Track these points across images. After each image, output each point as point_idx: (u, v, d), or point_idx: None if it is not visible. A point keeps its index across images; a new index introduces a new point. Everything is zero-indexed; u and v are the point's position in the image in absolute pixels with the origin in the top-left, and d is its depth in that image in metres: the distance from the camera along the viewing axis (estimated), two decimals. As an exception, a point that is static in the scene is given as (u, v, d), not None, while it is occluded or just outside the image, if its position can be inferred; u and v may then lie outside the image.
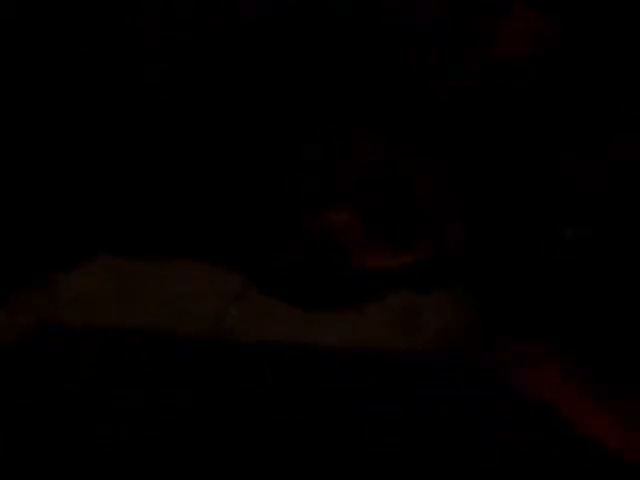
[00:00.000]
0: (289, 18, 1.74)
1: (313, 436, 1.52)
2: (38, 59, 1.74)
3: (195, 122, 1.78)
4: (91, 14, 1.75)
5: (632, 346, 1.57)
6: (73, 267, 1.69)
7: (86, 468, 1.48)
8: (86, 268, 1.70)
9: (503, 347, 1.61)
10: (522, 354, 1.60)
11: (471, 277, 1.73)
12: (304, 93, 1.72)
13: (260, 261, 1.77)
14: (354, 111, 1.72)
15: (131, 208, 1.80)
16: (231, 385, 1.55)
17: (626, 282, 1.65)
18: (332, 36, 1.73)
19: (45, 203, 1.79)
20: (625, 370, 1.58)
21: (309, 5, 1.75)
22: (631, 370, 1.56)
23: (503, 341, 1.63)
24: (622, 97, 1.69)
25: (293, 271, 1.74)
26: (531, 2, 1.71)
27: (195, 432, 1.50)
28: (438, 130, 1.70)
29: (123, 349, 1.59)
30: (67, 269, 1.69)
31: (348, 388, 1.54)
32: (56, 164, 1.80)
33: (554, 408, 1.51)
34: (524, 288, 1.69)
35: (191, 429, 1.50)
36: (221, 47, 1.75)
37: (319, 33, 1.73)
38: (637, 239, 1.67)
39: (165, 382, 1.54)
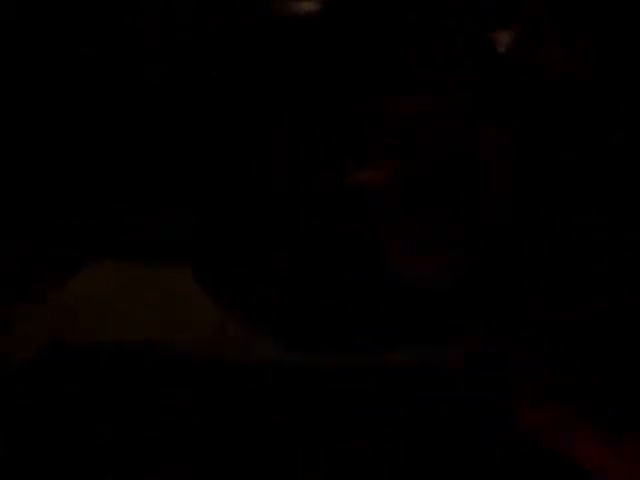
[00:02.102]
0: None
1: (312, 437, 1.49)
2: (38, 59, 1.76)
3: (195, 121, 1.78)
4: (91, 14, 1.78)
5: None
6: (75, 272, 1.71)
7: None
8: (86, 276, 1.71)
9: (539, 411, 1.57)
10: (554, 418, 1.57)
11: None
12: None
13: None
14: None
15: (132, 209, 1.81)
16: (233, 403, 1.52)
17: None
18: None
19: (45, 205, 1.81)
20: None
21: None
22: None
23: (538, 405, 1.58)
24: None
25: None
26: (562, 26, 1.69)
27: (200, 449, 1.49)
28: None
29: (126, 369, 1.56)
30: (69, 274, 1.70)
31: (346, 388, 1.52)
32: (55, 166, 1.82)
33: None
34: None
35: (196, 448, 1.48)
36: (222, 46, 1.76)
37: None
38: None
39: (168, 402, 1.51)
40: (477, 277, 1.72)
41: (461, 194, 1.69)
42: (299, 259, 1.73)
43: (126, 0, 1.75)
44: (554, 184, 1.73)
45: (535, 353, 1.66)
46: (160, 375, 1.57)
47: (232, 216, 1.79)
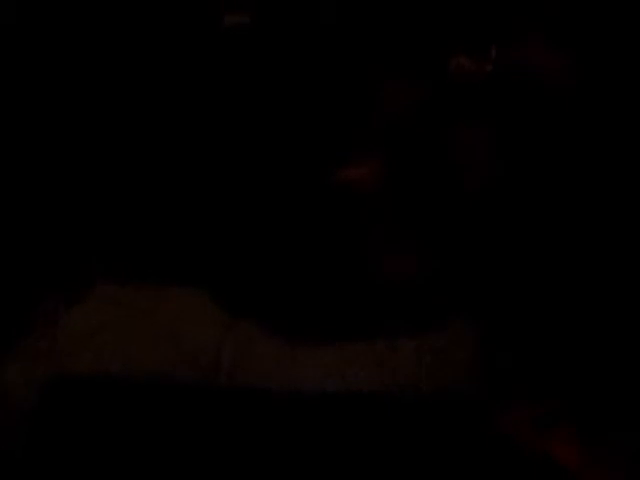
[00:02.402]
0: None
1: (309, 460, 1.54)
2: (38, 60, 1.72)
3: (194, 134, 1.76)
4: (91, 15, 1.73)
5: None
6: (74, 297, 1.73)
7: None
8: (86, 303, 1.74)
9: (518, 409, 1.62)
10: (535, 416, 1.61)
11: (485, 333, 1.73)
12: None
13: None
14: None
15: (127, 230, 1.80)
16: (231, 434, 1.58)
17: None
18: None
19: (43, 231, 1.78)
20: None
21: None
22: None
23: (518, 404, 1.63)
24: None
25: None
26: (546, 33, 1.72)
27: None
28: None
29: (129, 401, 1.62)
30: (68, 300, 1.72)
31: (340, 434, 1.56)
32: (54, 190, 1.79)
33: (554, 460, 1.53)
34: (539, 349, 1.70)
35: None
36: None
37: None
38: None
39: (168, 433, 1.58)
40: (454, 275, 1.76)
41: (439, 194, 1.72)
42: (287, 257, 1.76)
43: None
44: (534, 185, 1.78)
45: (516, 353, 1.72)
46: (159, 406, 1.60)
47: (230, 220, 1.79)
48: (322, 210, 1.72)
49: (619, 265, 1.66)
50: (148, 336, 1.70)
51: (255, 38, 1.73)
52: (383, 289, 1.71)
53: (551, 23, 1.73)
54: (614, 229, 1.67)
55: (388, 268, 1.69)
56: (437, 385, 1.64)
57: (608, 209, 1.67)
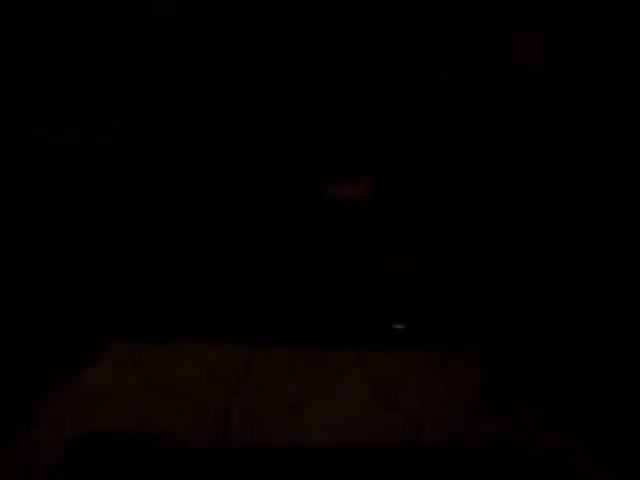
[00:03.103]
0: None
1: None
2: (38, 59, 1.71)
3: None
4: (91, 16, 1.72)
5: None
6: (93, 356, 1.79)
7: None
8: (103, 362, 1.81)
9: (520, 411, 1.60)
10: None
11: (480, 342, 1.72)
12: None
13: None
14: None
15: (140, 289, 1.84)
16: None
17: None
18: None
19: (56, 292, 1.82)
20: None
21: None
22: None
23: (517, 405, 1.62)
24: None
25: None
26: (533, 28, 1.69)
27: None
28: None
29: (147, 462, 1.66)
30: (87, 360, 1.79)
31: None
32: (66, 249, 1.83)
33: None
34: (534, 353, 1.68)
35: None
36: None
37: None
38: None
39: None
40: (454, 276, 1.76)
41: (439, 201, 1.72)
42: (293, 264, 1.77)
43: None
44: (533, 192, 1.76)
45: (517, 355, 1.71)
46: (174, 465, 1.65)
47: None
48: (322, 222, 1.73)
49: (620, 266, 1.63)
50: (162, 395, 1.75)
51: (257, 45, 1.72)
52: (384, 291, 1.72)
53: (551, 23, 1.70)
54: (614, 231, 1.64)
55: (388, 271, 1.69)
56: (441, 434, 1.67)
57: (608, 209, 1.65)
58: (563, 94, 1.62)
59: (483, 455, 1.59)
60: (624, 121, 1.64)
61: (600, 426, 1.64)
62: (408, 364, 1.79)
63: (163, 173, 1.81)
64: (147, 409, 1.73)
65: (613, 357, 1.66)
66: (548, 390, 1.70)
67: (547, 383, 1.70)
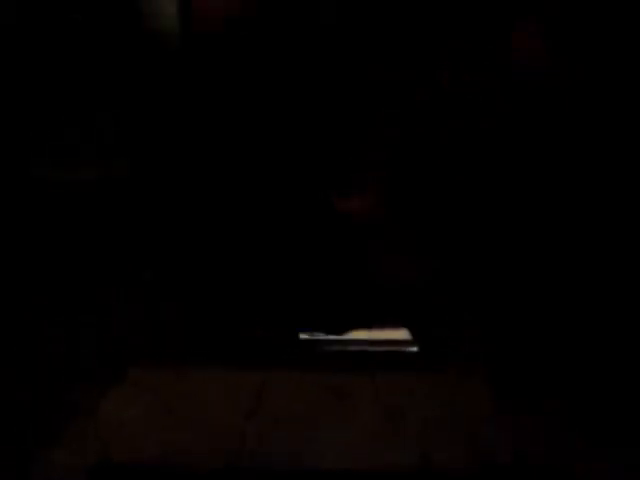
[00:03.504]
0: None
1: None
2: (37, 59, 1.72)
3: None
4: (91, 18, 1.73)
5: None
6: (110, 384, 1.83)
7: None
8: (120, 389, 1.84)
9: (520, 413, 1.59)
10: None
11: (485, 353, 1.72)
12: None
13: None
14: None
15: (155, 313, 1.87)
16: None
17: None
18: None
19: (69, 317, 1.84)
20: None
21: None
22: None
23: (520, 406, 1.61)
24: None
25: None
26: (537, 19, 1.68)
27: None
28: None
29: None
30: (105, 387, 1.83)
31: None
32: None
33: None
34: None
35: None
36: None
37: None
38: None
39: None
40: (454, 277, 1.76)
41: (438, 211, 1.72)
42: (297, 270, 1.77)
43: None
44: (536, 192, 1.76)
45: (517, 356, 1.71)
46: None
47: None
48: (324, 227, 1.73)
49: (619, 266, 1.62)
50: (179, 422, 1.78)
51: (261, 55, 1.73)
52: (384, 291, 1.72)
53: (551, 23, 1.70)
54: (614, 232, 1.64)
55: (388, 271, 1.68)
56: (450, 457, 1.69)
57: (608, 209, 1.64)
58: (563, 94, 1.62)
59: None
60: (624, 121, 1.63)
61: (600, 426, 1.62)
62: (418, 386, 1.80)
63: (169, 180, 1.81)
64: (164, 434, 1.76)
65: (613, 357, 1.65)
66: (548, 391, 1.69)
67: (547, 383, 1.69)
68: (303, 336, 1.90)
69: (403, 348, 1.86)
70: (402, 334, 1.83)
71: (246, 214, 1.77)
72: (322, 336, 1.88)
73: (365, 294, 1.69)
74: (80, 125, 1.77)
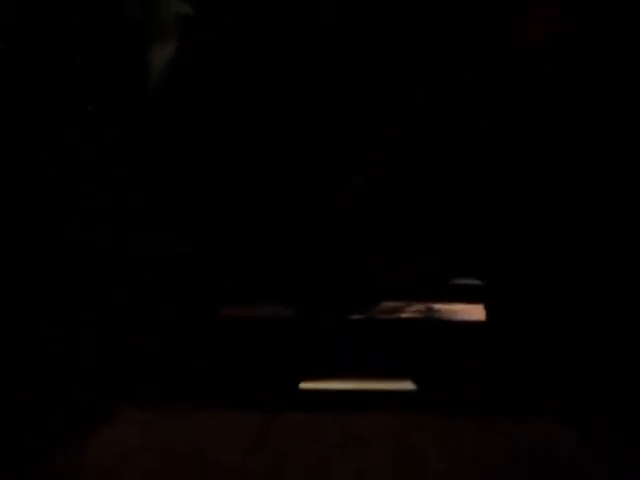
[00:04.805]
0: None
1: None
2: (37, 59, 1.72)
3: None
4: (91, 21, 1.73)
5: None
6: (105, 419, 1.79)
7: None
8: (116, 425, 1.80)
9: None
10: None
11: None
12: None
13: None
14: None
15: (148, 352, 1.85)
16: None
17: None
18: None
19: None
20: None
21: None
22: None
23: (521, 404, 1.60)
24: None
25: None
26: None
27: None
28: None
29: None
30: (99, 423, 1.78)
31: None
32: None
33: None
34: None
35: None
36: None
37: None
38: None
39: None
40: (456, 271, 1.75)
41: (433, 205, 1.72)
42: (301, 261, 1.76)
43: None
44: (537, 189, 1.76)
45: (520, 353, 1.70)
46: None
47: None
48: (324, 225, 1.72)
49: (619, 266, 1.63)
50: (176, 459, 1.73)
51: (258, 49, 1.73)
52: (385, 286, 1.72)
53: (551, 22, 1.69)
54: (614, 232, 1.64)
55: (388, 271, 1.68)
56: None
57: (609, 209, 1.64)
58: (563, 94, 1.62)
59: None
60: (624, 121, 1.63)
61: (600, 425, 1.62)
62: (429, 429, 1.77)
63: (170, 174, 1.81)
64: (160, 475, 1.70)
65: (614, 357, 1.65)
66: (548, 390, 1.68)
67: (547, 383, 1.68)
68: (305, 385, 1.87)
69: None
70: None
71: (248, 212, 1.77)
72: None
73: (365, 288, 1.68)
74: (80, 125, 1.77)
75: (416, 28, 1.67)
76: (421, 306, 1.89)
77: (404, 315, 1.89)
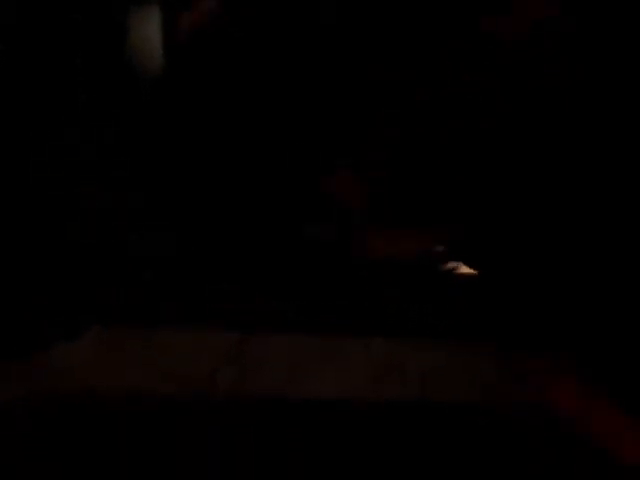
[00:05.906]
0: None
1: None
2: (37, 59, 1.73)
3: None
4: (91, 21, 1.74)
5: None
6: (72, 333, 1.77)
7: None
8: (82, 339, 1.78)
9: (519, 362, 1.59)
10: (538, 369, 1.58)
11: (485, 295, 1.72)
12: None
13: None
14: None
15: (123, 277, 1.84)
16: (231, 444, 1.58)
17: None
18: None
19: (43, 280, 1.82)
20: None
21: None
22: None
23: (518, 357, 1.61)
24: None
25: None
26: None
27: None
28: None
29: (121, 415, 1.61)
30: (66, 335, 1.77)
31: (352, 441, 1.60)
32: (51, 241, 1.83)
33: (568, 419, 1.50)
34: (535, 304, 1.68)
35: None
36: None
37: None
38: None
39: (166, 447, 1.59)
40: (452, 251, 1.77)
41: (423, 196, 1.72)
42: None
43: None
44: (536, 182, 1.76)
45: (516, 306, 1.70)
46: (157, 423, 1.62)
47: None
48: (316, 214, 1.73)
49: (619, 266, 1.63)
50: (140, 363, 1.72)
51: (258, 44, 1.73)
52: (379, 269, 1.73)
53: (551, 22, 1.70)
54: (614, 232, 1.65)
55: (383, 251, 1.70)
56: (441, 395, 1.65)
57: (609, 209, 1.65)
58: (563, 94, 1.62)
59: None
60: (625, 121, 1.63)
61: (597, 374, 1.62)
62: (416, 348, 1.78)
63: (162, 170, 1.81)
64: (120, 373, 1.70)
65: (612, 308, 1.65)
66: (548, 342, 1.69)
67: (547, 335, 1.69)
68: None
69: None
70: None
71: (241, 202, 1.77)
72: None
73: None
74: (80, 125, 1.77)
75: (416, 28, 1.67)
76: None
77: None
